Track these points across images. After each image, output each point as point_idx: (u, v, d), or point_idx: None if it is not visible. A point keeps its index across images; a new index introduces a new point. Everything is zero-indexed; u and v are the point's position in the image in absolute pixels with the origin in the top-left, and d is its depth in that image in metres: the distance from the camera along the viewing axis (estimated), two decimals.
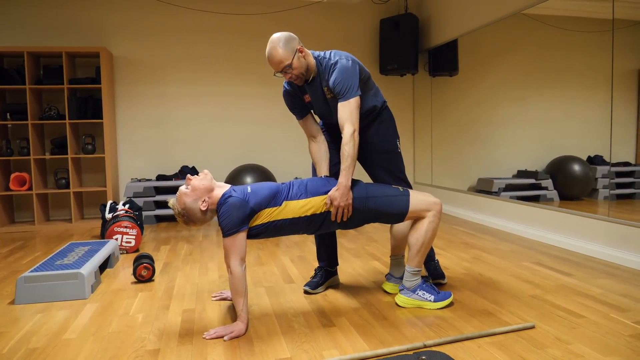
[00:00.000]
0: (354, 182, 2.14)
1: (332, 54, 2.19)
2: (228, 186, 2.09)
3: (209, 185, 2.04)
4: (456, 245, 3.49)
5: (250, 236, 2.03)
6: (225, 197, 2.00)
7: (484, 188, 4.48)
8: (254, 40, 5.26)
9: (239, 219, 1.94)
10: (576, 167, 3.48)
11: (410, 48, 5.19)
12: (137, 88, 5.04)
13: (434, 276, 2.57)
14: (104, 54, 4.61)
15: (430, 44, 5.28)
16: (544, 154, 3.74)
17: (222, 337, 1.91)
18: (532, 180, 3.87)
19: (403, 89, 5.73)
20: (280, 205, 2.02)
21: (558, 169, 3.65)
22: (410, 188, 2.31)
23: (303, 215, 2.04)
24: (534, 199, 3.85)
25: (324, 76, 2.18)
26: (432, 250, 2.60)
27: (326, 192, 2.06)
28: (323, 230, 2.12)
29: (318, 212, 2.05)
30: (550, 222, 3.55)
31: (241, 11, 5.21)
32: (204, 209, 2.02)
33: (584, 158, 3.36)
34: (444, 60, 5.13)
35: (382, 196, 2.11)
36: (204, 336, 1.92)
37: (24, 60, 4.42)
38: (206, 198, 2.03)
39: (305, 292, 2.46)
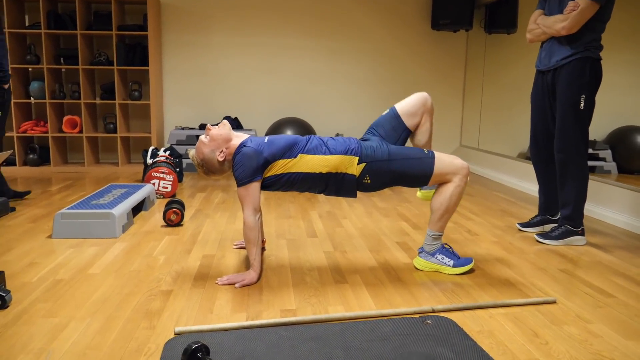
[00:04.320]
0: (378, 143, 2.05)
1: None
2: (246, 136, 2.07)
3: (227, 136, 2.03)
4: (492, 212, 3.35)
5: (263, 187, 2.02)
6: (240, 147, 1.99)
7: None
8: None
9: (252, 169, 1.93)
10: None
11: (466, 1, 4.85)
12: (183, 37, 5.06)
13: None
14: (152, 1, 4.62)
15: None
16: (605, 123, 3.45)
17: (234, 284, 1.95)
18: (589, 150, 3.59)
19: (455, 46, 5.41)
20: (295, 157, 1.98)
21: (619, 140, 3.38)
22: (581, 156, 2.57)
23: (317, 172, 1.98)
24: (590, 170, 3.59)
25: None
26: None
27: (345, 153, 1.99)
28: (342, 192, 2.05)
29: (333, 171, 1.99)
30: (602, 196, 3.31)
31: None
32: (221, 159, 2.03)
33: None
34: (502, 16, 4.77)
35: (406, 158, 2.02)
36: (216, 282, 1.97)
37: (76, 6, 4.53)
38: (224, 149, 2.03)
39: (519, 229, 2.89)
